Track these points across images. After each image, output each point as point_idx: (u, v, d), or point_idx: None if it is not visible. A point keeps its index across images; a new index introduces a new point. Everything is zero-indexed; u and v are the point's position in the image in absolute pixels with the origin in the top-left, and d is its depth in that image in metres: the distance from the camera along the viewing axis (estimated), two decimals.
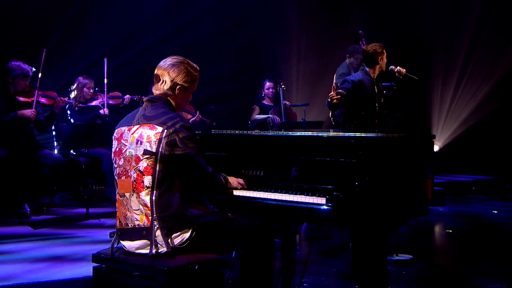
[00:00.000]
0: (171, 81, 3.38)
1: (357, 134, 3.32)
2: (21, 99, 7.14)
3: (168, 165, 3.20)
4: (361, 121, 5.78)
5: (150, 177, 3.19)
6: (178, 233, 3.20)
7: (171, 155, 3.19)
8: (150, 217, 3.19)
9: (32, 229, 6.42)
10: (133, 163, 3.23)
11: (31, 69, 7.21)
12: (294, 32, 11.10)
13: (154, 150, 3.19)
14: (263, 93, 8.96)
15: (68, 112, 7.82)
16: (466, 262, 5.79)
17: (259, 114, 8.85)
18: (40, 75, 7.18)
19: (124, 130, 3.33)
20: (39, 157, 7.08)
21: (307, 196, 3.24)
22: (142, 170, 3.20)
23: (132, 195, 3.24)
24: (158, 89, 3.41)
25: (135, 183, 3.22)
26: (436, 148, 12.29)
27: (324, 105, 10.36)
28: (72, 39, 9.18)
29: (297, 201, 3.26)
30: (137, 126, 3.28)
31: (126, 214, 3.28)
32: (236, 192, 3.52)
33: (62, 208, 7.59)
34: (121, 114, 7.48)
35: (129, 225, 3.27)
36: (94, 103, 7.93)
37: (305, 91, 11.05)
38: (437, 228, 7.58)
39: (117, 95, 8.08)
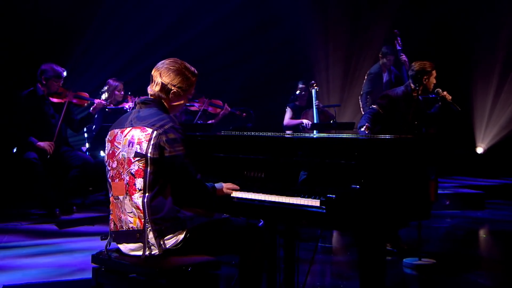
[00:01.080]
0: (166, 84, 3.34)
1: (356, 136, 3.25)
2: (54, 100, 7.31)
3: (158, 167, 3.17)
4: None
5: (141, 179, 3.17)
6: (171, 235, 3.18)
7: (160, 157, 3.17)
8: (142, 220, 3.17)
9: (58, 229, 6.54)
10: (125, 166, 3.22)
11: (64, 71, 7.37)
12: (328, 33, 10.99)
13: (144, 152, 3.16)
14: (296, 94, 8.92)
15: (95, 115, 7.93)
16: (496, 269, 5.63)
17: (292, 116, 8.81)
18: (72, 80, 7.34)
19: (117, 132, 3.32)
20: (69, 158, 7.21)
21: (302, 198, 3.18)
22: (133, 172, 3.19)
23: (126, 198, 3.22)
24: (152, 91, 3.39)
25: (127, 185, 3.21)
26: (480, 150, 11.98)
27: (356, 106, 10.27)
28: (102, 41, 9.31)
29: (291, 203, 3.20)
30: (129, 128, 3.27)
31: (121, 217, 3.27)
32: (233, 194, 3.49)
33: (92, 209, 7.69)
34: None
35: (124, 227, 3.26)
36: (125, 105, 8.02)
37: (338, 92, 10.94)
38: (471, 233, 7.36)
39: None
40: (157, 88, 3.36)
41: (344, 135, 3.42)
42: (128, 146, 3.22)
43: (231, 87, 9.90)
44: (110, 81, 8.05)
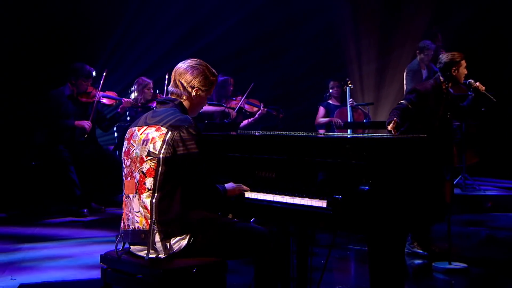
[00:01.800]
0: (188, 83, 3.37)
1: (364, 135, 3.22)
2: (83, 99, 7.44)
3: (170, 167, 3.18)
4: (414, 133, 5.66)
5: (152, 179, 3.19)
6: (177, 238, 3.18)
7: (173, 156, 3.17)
8: (149, 221, 3.19)
9: (85, 229, 6.65)
10: (137, 164, 3.24)
11: (93, 70, 7.50)
12: (362, 28, 10.81)
13: (157, 152, 3.18)
14: (329, 92, 8.89)
15: (127, 112, 8.01)
16: None
17: (324, 114, 8.79)
18: (102, 80, 7.45)
19: (134, 130, 3.35)
20: (98, 157, 7.33)
21: (310, 199, 3.16)
22: (145, 171, 3.21)
23: (135, 197, 3.25)
24: (173, 90, 3.42)
25: (137, 184, 3.23)
26: None
27: (392, 105, 10.12)
28: (130, 40, 9.40)
29: (298, 204, 3.18)
30: (145, 126, 3.30)
31: (129, 216, 3.30)
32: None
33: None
34: None
35: (131, 227, 3.29)
36: (154, 104, 8.09)
37: (372, 90, 10.77)
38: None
39: None
40: (178, 88, 3.39)
41: (354, 135, 3.39)
42: (142, 144, 3.25)
43: (263, 85, 9.86)
44: (139, 79, 8.12)
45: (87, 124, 7.27)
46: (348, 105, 8.43)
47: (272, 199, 3.35)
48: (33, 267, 5.11)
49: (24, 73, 8.40)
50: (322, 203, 3.09)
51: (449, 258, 5.34)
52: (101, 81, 7.48)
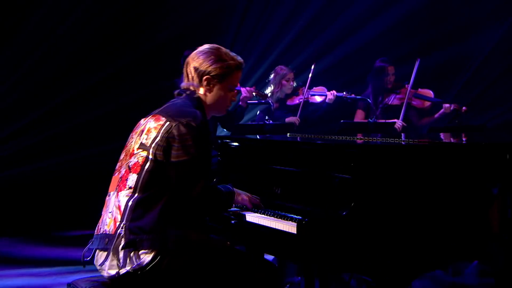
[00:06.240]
0: (197, 69, 3.40)
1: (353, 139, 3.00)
2: None
3: (159, 166, 3.17)
4: None
5: (136, 175, 3.18)
6: (142, 251, 3.10)
7: (165, 152, 3.17)
8: (117, 224, 3.14)
9: None
10: (127, 157, 3.28)
11: None
12: None
13: (148, 144, 3.20)
14: None
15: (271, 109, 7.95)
16: None
17: None
18: None
19: (140, 121, 3.43)
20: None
21: (283, 221, 3.06)
22: (130, 166, 3.22)
23: (114, 194, 3.25)
24: (185, 83, 3.48)
25: (120, 180, 3.24)
26: None
27: None
28: (257, 15, 9.33)
29: (269, 227, 3.13)
30: (149, 116, 3.37)
31: (104, 217, 3.29)
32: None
33: None
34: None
35: (101, 230, 3.25)
36: (295, 100, 7.96)
37: None
38: None
39: (321, 92, 7.97)
40: (188, 78, 3.46)
41: (343, 139, 3.16)
42: (139, 135, 3.31)
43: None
44: (277, 68, 8.04)
45: None
46: None
47: (256, 222, 3.30)
48: None
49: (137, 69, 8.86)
50: (292, 228, 2.92)
51: None
52: None
